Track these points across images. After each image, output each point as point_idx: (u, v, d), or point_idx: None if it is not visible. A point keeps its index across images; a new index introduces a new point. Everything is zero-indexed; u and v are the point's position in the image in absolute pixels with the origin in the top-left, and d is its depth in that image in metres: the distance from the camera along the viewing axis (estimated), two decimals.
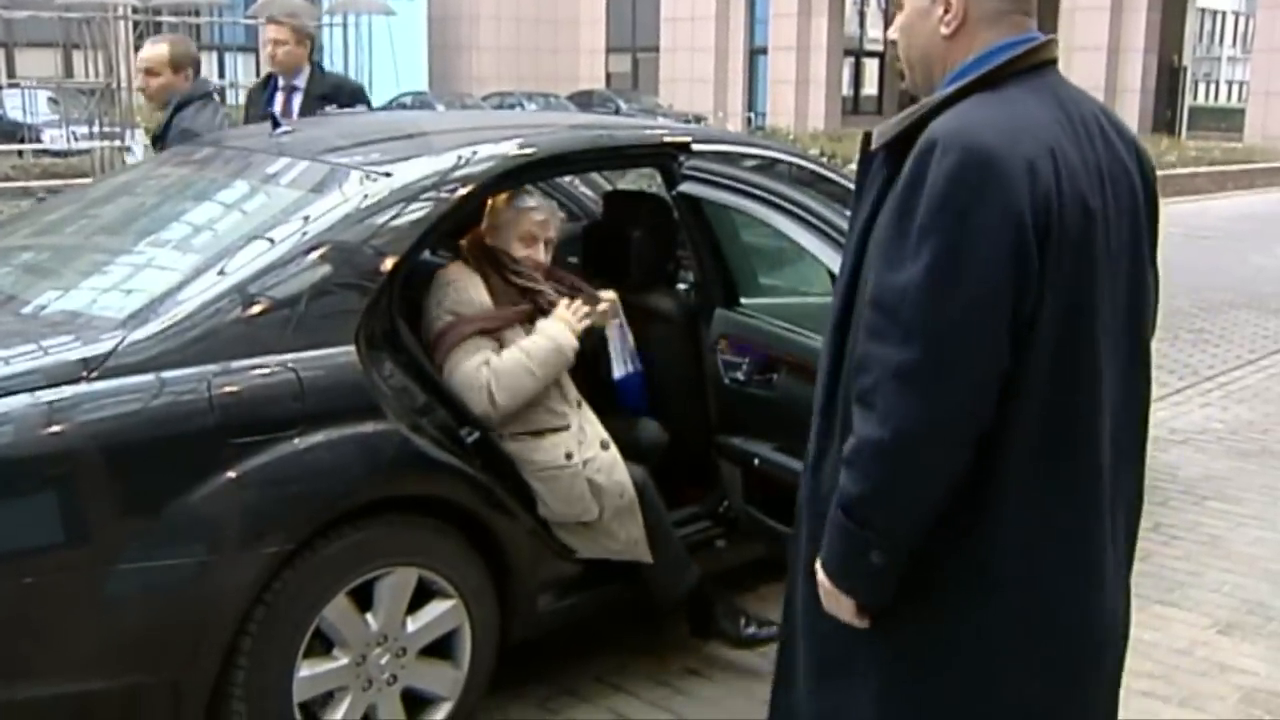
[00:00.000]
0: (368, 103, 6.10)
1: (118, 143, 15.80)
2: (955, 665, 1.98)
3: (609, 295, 3.62)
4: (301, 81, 5.86)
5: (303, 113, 5.68)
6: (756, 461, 3.57)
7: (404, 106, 28.67)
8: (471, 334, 3.30)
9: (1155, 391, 7.23)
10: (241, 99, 6.14)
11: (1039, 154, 1.85)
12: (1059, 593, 2.00)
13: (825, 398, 2.07)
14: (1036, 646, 2.01)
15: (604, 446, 3.38)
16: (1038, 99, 1.94)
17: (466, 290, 3.38)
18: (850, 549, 1.92)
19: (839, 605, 2.00)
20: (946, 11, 1.97)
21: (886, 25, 2.12)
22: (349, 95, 5.93)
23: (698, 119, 27.93)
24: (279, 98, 5.88)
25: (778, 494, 3.47)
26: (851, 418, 1.94)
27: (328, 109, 5.29)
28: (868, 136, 2.07)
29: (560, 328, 3.39)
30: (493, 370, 3.24)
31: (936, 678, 2.00)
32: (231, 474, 2.70)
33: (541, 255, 3.55)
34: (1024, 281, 1.83)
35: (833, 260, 3.20)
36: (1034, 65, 1.97)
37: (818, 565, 2.00)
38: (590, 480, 3.31)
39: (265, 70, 6.16)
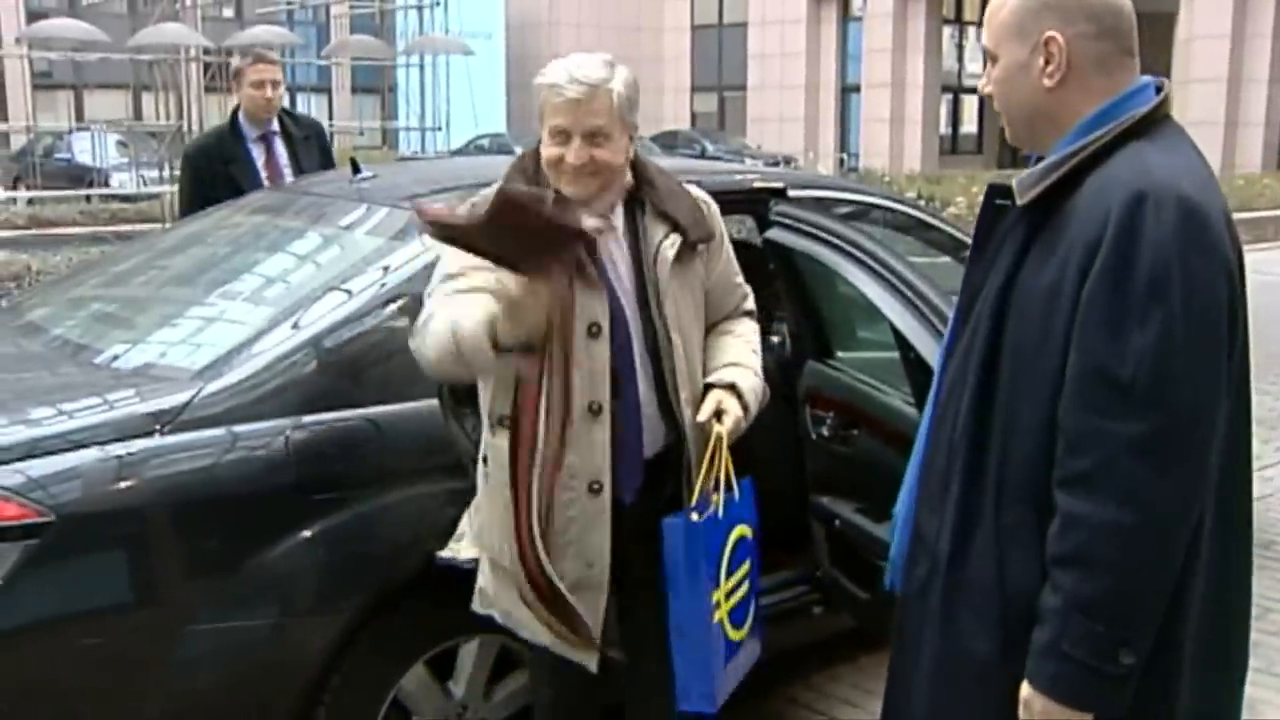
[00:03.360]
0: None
1: None
2: None
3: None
4: (275, 126, 5.46)
5: (295, 162, 5.40)
6: (837, 523, 3.54)
7: (481, 149, 29.07)
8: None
9: None
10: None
11: (1223, 206, 1.88)
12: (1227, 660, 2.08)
13: (966, 480, 2.01)
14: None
15: (593, 489, 2.56)
16: (1192, 151, 1.97)
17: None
18: (1097, 655, 1.82)
19: None
20: (1048, 63, 1.95)
21: (985, 63, 2.14)
22: (322, 137, 5.70)
23: (788, 160, 27.96)
24: (257, 150, 5.41)
25: (861, 557, 3.43)
26: (1005, 501, 1.94)
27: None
28: (998, 190, 2.05)
29: (474, 309, 2.36)
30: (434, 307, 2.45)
31: None
32: (307, 532, 2.72)
33: (574, 155, 2.50)
34: (1233, 331, 1.85)
35: (907, 324, 3.13)
36: (1167, 112, 1.98)
37: (1028, 691, 1.89)
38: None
39: (227, 117, 5.61)
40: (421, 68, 20.02)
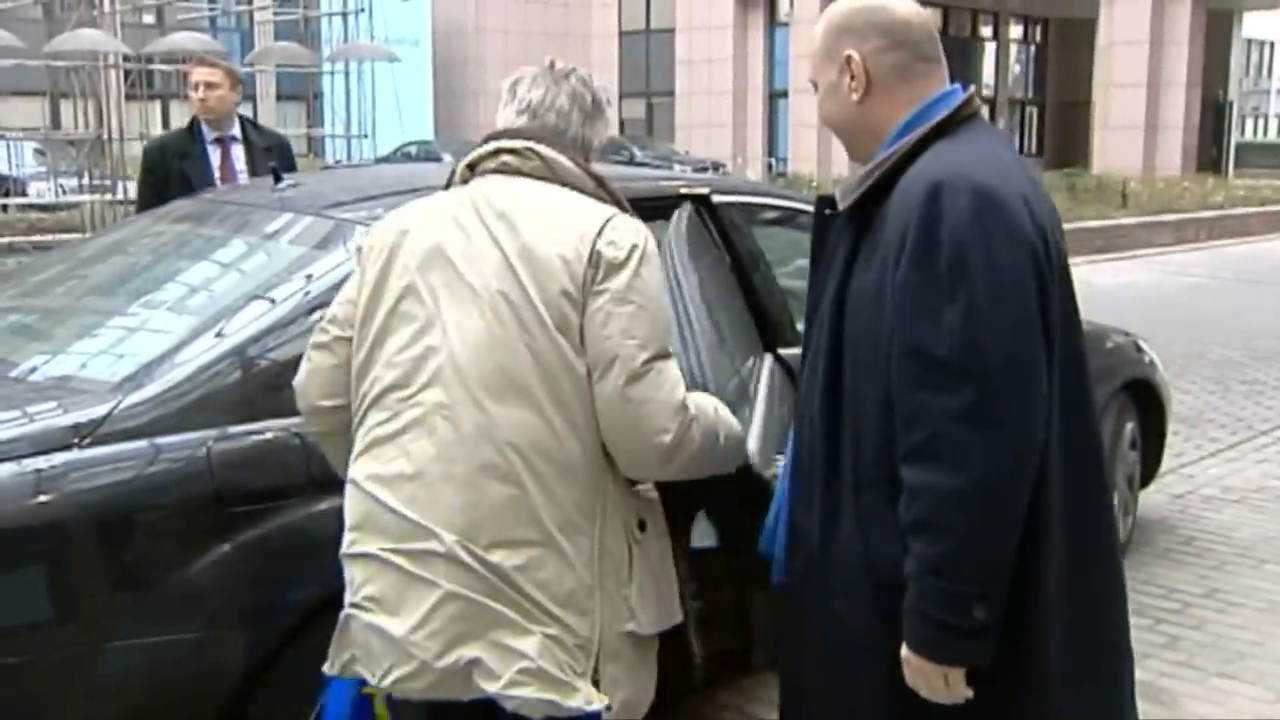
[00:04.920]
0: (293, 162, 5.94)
1: (109, 196, 15.98)
2: (1037, 693, 2.12)
3: None
4: (236, 132, 5.62)
5: (253, 168, 5.48)
6: None
7: (408, 156, 28.91)
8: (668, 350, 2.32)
9: (1207, 448, 7.16)
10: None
11: (1024, 190, 2.03)
12: (1095, 604, 2.21)
13: (826, 472, 2.15)
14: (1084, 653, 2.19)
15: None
16: (994, 144, 2.14)
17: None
18: (951, 611, 1.96)
19: (943, 684, 2.02)
20: (852, 79, 2.16)
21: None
22: (287, 151, 5.83)
23: (716, 165, 28.08)
24: (213, 151, 5.58)
25: None
26: (862, 485, 2.09)
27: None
28: (825, 200, 2.25)
29: None
30: (695, 404, 2.32)
31: (1029, 707, 2.12)
32: (230, 545, 2.70)
33: None
34: (1046, 305, 1.99)
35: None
36: (972, 114, 2.16)
37: (905, 652, 2.02)
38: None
39: (186, 119, 5.81)
40: (347, 75, 19.83)
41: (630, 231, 2.29)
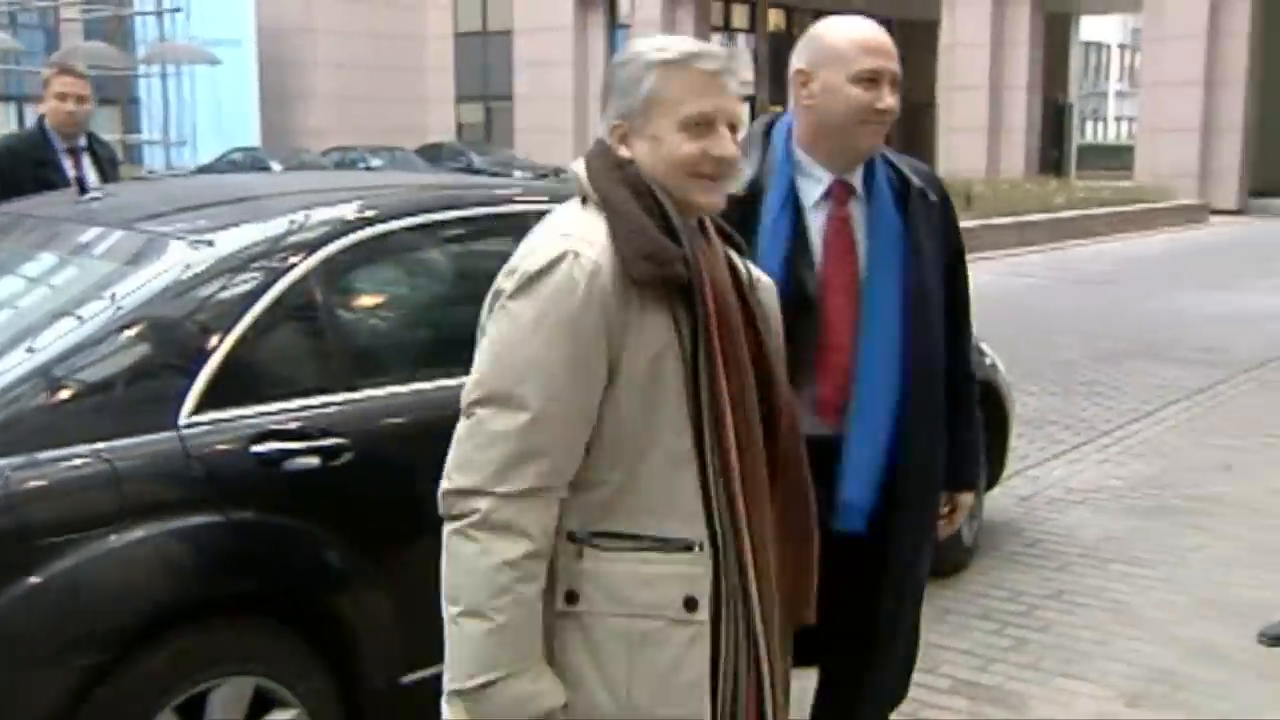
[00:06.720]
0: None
1: None
2: None
3: None
4: (83, 142, 5.62)
5: (103, 179, 5.48)
6: None
7: (234, 164, 28.34)
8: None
9: (1051, 449, 7.42)
10: None
11: None
12: None
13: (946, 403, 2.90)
14: None
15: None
16: None
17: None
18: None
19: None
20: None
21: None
22: (115, 163, 5.94)
23: (557, 172, 28.09)
24: (66, 161, 5.54)
25: None
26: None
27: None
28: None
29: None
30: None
31: None
32: (36, 578, 2.62)
33: (730, 147, 2.12)
34: None
35: None
36: None
37: (966, 498, 3.07)
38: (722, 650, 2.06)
39: (28, 128, 5.87)
40: (164, 77, 19.39)
41: (527, 256, 2.02)
